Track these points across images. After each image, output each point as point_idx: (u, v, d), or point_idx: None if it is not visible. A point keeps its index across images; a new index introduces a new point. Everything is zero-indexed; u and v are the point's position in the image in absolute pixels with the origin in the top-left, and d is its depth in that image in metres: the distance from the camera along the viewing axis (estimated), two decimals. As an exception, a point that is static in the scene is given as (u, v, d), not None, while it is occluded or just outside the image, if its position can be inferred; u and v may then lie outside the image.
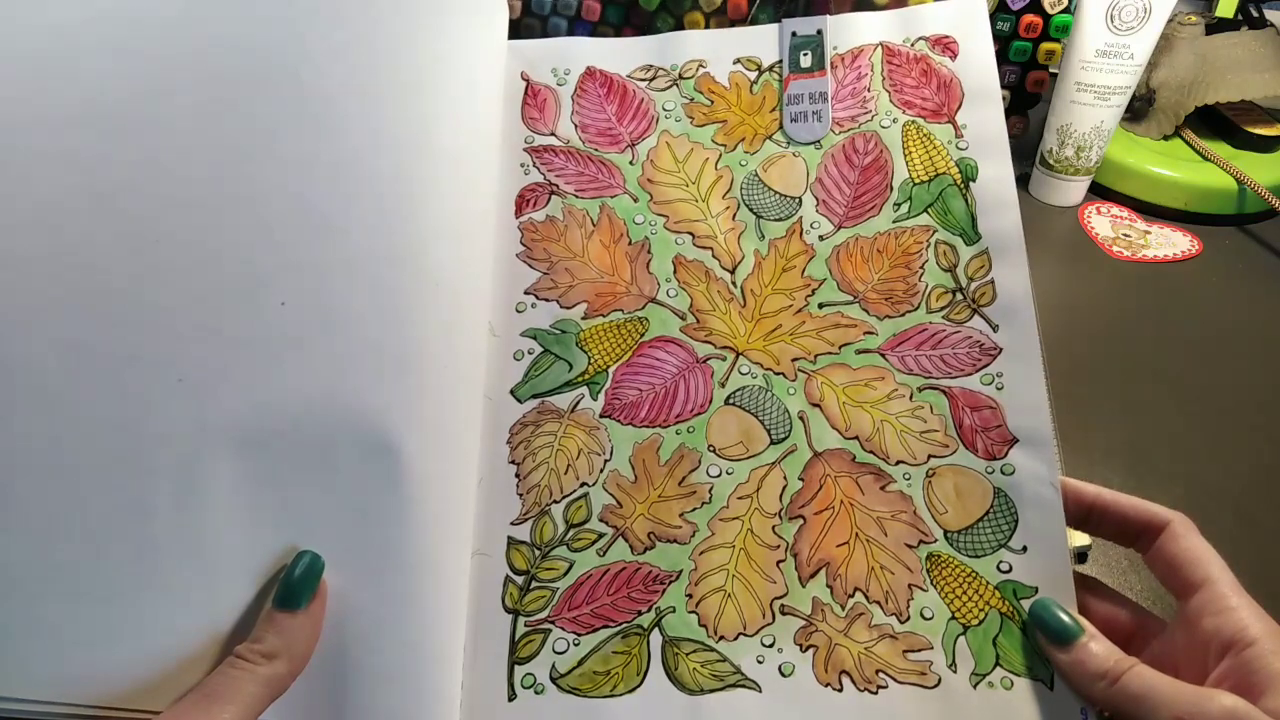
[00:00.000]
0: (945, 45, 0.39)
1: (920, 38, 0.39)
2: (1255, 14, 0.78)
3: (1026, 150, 0.77)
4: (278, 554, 0.29)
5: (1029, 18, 0.71)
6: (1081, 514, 0.32)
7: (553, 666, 0.30)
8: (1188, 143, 0.76)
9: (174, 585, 0.28)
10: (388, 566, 0.30)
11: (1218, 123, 0.77)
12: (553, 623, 0.31)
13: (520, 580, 0.32)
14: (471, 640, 0.31)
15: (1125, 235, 0.70)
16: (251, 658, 0.26)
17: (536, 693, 0.30)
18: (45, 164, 0.31)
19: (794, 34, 0.39)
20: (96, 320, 0.30)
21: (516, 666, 0.30)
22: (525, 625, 0.31)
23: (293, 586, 0.28)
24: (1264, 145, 0.74)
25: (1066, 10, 0.70)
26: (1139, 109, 0.77)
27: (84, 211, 0.31)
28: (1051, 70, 0.73)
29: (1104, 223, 0.72)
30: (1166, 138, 0.76)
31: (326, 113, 0.34)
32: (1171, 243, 0.70)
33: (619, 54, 0.40)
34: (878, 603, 0.31)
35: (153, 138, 0.32)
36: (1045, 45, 0.72)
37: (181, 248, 0.31)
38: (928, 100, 0.38)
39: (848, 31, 0.39)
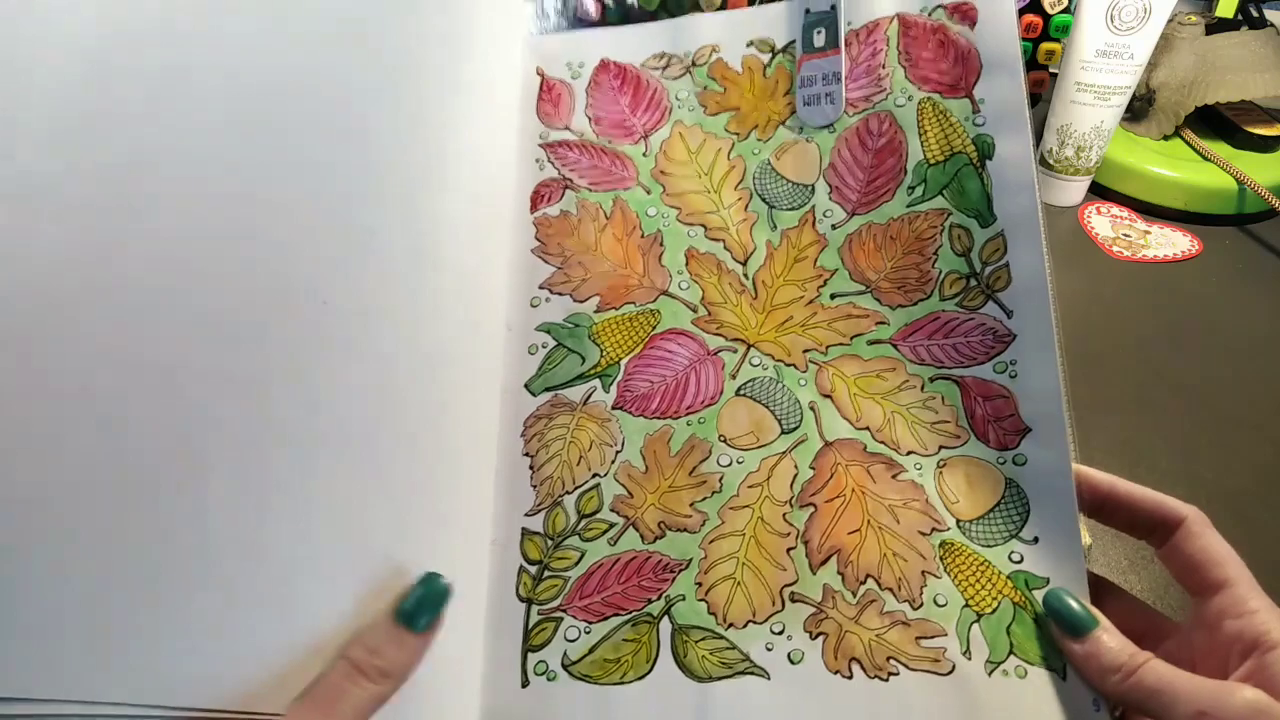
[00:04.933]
0: (964, 12, 0.37)
1: (938, 5, 0.37)
2: (1255, 14, 0.77)
3: (1027, 150, 0.77)
4: (333, 549, 0.29)
5: (1029, 17, 0.71)
6: (1095, 503, 0.31)
7: (564, 654, 0.31)
8: (1188, 143, 0.75)
9: (236, 584, 0.29)
10: (417, 557, 0.30)
11: (1218, 123, 0.77)
12: (565, 611, 0.32)
13: (534, 570, 0.32)
14: (486, 628, 0.31)
15: (1125, 235, 0.70)
16: (371, 674, 0.26)
17: (549, 679, 0.31)
18: (83, 174, 0.32)
19: (807, 11, 0.39)
20: (141, 329, 0.31)
21: (530, 654, 0.31)
22: (538, 613, 0.32)
23: (421, 603, 0.27)
24: (1264, 145, 0.74)
25: (1066, 10, 0.70)
26: (1139, 109, 0.77)
27: (119, 221, 0.32)
28: (1051, 70, 0.73)
29: (1104, 223, 0.72)
30: (1166, 138, 0.76)
31: (351, 120, 0.35)
32: (1171, 243, 0.70)
33: (632, 42, 0.40)
34: (890, 590, 0.31)
35: (186, 160, 0.33)
36: (1045, 45, 0.72)
37: (225, 258, 0.32)
38: (945, 74, 0.36)
39: (863, 5, 0.38)
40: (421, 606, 0.27)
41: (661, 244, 0.37)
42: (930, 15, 0.37)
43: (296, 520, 0.30)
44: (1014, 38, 0.36)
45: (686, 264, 0.37)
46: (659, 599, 0.32)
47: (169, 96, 0.34)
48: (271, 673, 0.28)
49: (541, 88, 0.40)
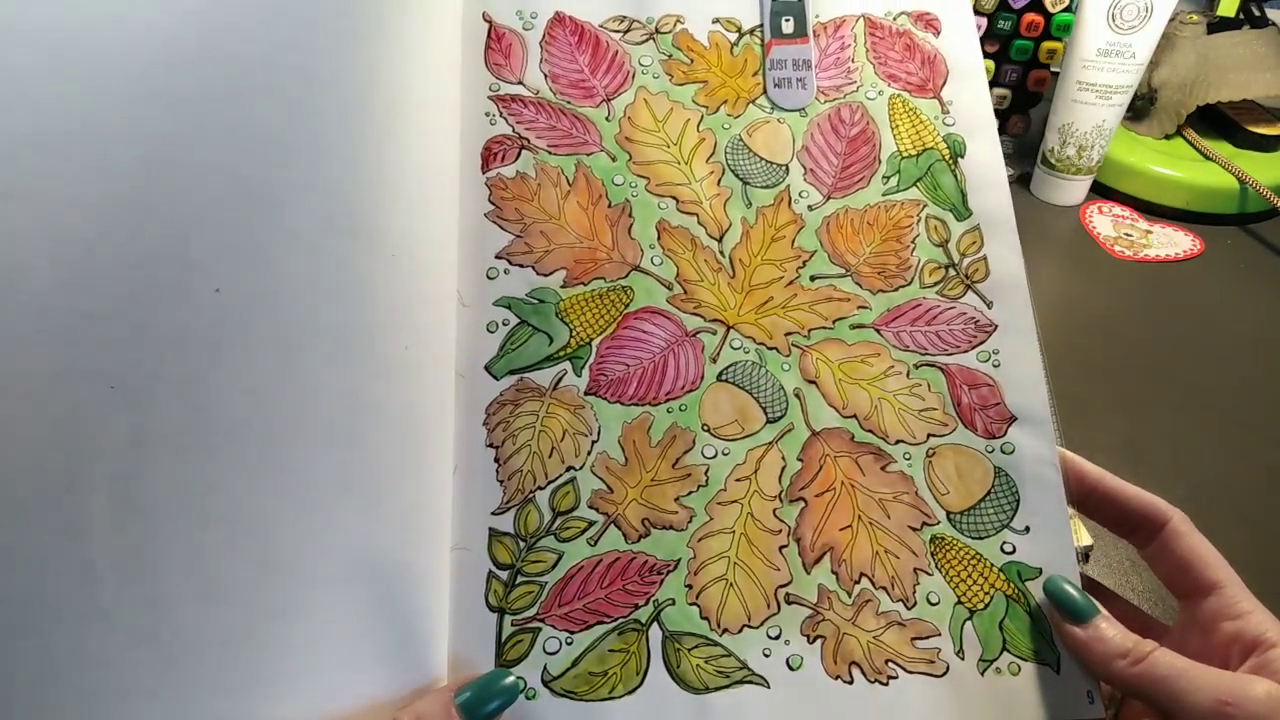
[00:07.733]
0: (928, 22, 0.38)
1: (902, 12, 0.38)
2: (1257, 13, 0.78)
3: (1028, 149, 0.76)
4: (234, 564, 0.25)
5: (1030, 16, 0.70)
6: (1083, 494, 0.31)
7: (544, 668, 0.28)
8: (1189, 142, 0.75)
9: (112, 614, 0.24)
10: (358, 571, 0.26)
11: (1219, 122, 0.77)
12: (542, 620, 0.28)
13: (505, 575, 0.29)
14: (453, 644, 0.27)
15: (1127, 235, 0.70)
16: None
17: (528, 698, 0.27)
18: None
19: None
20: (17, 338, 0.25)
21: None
22: (512, 624, 0.28)
23: (485, 691, 0.26)
24: (1266, 144, 0.74)
25: (1068, 9, 0.69)
26: (1140, 108, 0.77)
27: None
28: (1053, 69, 0.73)
29: (1106, 222, 0.72)
30: (1168, 137, 0.76)
31: (254, 73, 0.30)
32: (1173, 242, 0.70)
33: (590, 1, 0.37)
34: (884, 588, 0.30)
35: (62, 125, 0.27)
36: (1047, 44, 0.72)
37: (104, 246, 0.27)
38: (913, 75, 0.37)
39: (829, 1, 0.38)
40: (487, 692, 0.26)
41: (631, 215, 0.34)
42: (895, 20, 0.37)
43: (185, 543, 0.25)
44: (976, 49, 0.37)
45: (659, 238, 0.34)
46: (647, 604, 0.29)
47: (45, 55, 0.28)
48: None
49: (490, 35, 0.36)
